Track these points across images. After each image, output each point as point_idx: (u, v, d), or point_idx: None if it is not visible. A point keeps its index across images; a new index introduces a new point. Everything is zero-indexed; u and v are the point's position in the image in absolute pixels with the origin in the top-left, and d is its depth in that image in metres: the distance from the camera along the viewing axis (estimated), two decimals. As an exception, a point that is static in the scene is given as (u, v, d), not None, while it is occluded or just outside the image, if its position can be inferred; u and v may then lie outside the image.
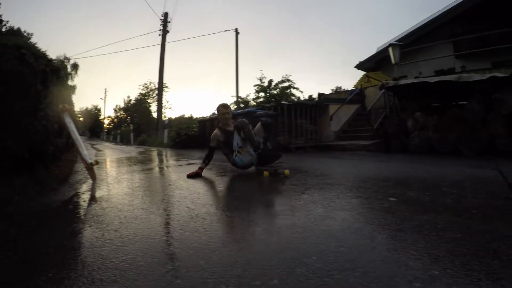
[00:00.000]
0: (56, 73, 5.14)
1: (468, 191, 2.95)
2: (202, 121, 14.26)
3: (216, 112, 4.93)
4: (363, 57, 17.24)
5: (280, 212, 2.37)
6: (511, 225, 1.94)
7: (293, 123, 9.64)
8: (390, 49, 9.70)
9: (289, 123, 9.59)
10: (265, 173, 4.19)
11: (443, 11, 14.19)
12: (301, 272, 1.35)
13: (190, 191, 3.32)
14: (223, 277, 1.33)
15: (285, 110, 9.55)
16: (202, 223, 2.13)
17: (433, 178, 3.75)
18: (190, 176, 4.37)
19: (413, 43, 13.74)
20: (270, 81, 20.59)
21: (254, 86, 21.09)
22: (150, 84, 38.71)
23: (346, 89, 16.80)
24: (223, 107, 4.76)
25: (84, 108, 68.08)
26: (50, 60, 4.85)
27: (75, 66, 33.16)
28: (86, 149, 4.30)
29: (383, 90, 8.72)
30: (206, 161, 4.66)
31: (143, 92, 39.20)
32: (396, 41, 12.90)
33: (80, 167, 5.80)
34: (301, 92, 20.06)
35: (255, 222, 2.14)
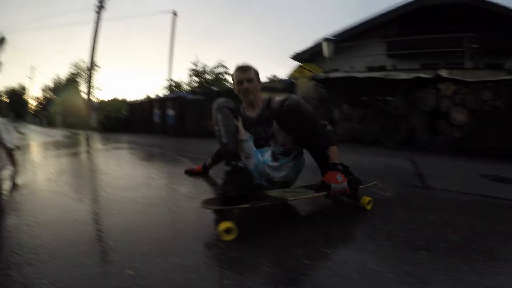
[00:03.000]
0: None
1: (377, 177, 3.27)
2: (133, 105, 14.03)
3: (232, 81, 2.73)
4: (299, 48, 17.90)
5: (190, 195, 2.62)
6: (406, 209, 2.39)
7: None
8: (325, 44, 10.23)
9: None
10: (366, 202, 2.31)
11: (380, 14, 15.45)
12: (203, 251, 1.57)
13: (111, 176, 3.46)
14: (129, 256, 1.49)
15: (216, 96, 9.65)
16: (118, 207, 2.29)
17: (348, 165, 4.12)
18: (188, 171, 3.53)
19: (348, 39, 14.70)
20: (205, 66, 20.49)
21: (189, 70, 20.82)
22: (81, 64, 35.80)
23: (280, 79, 17.26)
24: (240, 71, 2.58)
25: (9, 87, 60.84)
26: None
27: (2, 40, 29.31)
28: (9, 132, 4.08)
29: (314, 82, 9.13)
30: (215, 158, 3.43)
31: (74, 71, 36.21)
32: (332, 36, 13.56)
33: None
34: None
35: (163, 204, 2.40)
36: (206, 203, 1.90)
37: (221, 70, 20.29)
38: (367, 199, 2.28)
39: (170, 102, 11.59)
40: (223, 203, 1.84)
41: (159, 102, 12.40)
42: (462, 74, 7.25)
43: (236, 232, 1.70)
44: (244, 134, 2.32)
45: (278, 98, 2.45)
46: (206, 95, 9.73)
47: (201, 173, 3.47)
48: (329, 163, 2.18)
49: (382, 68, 12.96)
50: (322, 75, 8.70)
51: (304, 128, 2.16)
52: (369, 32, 15.29)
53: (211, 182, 3.25)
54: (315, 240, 1.78)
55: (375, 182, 2.53)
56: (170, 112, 11.42)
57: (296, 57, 17.98)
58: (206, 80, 20.02)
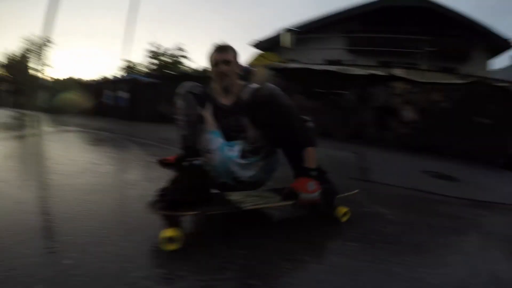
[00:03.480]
0: None
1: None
2: (85, 85, 13.31)
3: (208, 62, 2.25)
4: (261, 36, 17.75)
5: (134, 182, 2.59)
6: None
7: (175, 93, 9.52)
8: (286, 34, 10.21)
9: (171, 93, 9.42)
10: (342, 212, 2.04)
11: (343, 9, 15.70)
12: (138, 239, 1.56)
13: (56, 162, 3.32)
14: (68, 245, 1.45)
15: (168, 79, 9.44)
16: (60, 195, 2.21)
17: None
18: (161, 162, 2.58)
19: (310, 31, 14.80)
20: (164, 49, 19.87)
21: (147, 52, 20.13)
22: (34, 39, 33.34)
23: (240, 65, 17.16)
24: (217, 52, 2.15)
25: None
26: None
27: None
28: None
29: (272, 71, 9.13)
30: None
31: (27, 47, 33.66)
32: (294, 27, 13.63)
33: None
34: (194, 62, 19.81)
35: (106, 191, 2.33)
36: (154, 204, 1.62)
37: (179, 53, 19.75)
38: (343, 210, 1.99)
39: (123, 84, 11.16)
40: (166, 207, 1.58)
41: (112, 83, 11.89)
42: (416, 75, 7.49)
43: (180, 243, 1.49)
44: (211, 125, 2.02)
45: (252, 86, 2.12)
46: (162, 79, 9.46)
47: (174, 164, 2.98)
48: (302, 167, 1.90)
49: (340, 62, 13.21)
50: (279, 64, 8.67)
51: (278, 124, 1.86)
52: (331, 26, 15.53)
53: (164, 172, 3.09)
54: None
55: (357, 191, 2.25)
56: (123, 94, 10.98)
57: (257, 45, 17.83)
58: (165, 63, 19.47)
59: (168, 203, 1.59)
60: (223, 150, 1.94)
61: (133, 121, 9.49)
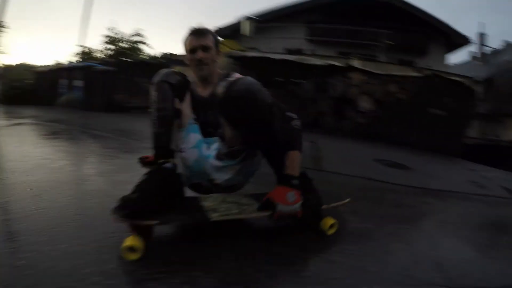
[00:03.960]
0: None
1: None
2: (39, 73, 12.48)
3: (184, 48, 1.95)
4: (223, 22, 17.56)
5: (87, 177, 2.48)
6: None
7: (132, 81, 9.39)
8: (246, 22, 10.14)
9: (128, 81, 9.30)
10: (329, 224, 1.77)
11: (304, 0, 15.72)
12: (87, 236, 1.52)
13: (7, 158, 3.20)
14: (20, 245, 1.42)
15: (125, 67, 9.13)
16: (11, 194, 2.12)
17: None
18: (141, 160, 2.04)
19: (271, 20, 14.82)
20: (121, 34, 19.09)
21: (104, 36, 19.26)
22: None
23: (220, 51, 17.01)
24: (193, 36, 1.87)
25: None
26: None
27: None
28: None
29: (230, 59, 9.08)
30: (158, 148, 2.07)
31: None
32: (255, 15, 13.55)
33: None
34: (152, 48, 19.22)
35: (59, 188, 2.20)
36: (116, 211, 1.43)
37: (137, 39, 19.07)
38: (330, 222, 1.73)
39: (78, 72, 10.62)
40: (129, 215, 1.42)
41: (66, 71, 11.25)
42: (374, 67, 7.68)
43: (141, 252, 1.36)
44: (188, 118, 1.82)
45: (231, 78, 1.74)
46: (118, 66, 9.12)
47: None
48: (283, 174, 1.64)
49: (300, 52, 13.32)
50: (238, 53, 8.63)
51: (256, 124, 1.56)
52: (292, 15, 15.59)
53: (118, 166, 2.97)
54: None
55: (348, 199, 1.95)
56: (78, 83, 10.46)
57: (218, 31, 17.60)
58: (122, 49, 18.75)
59: (131, 211, 1.43)
60: (200, 148, 1.77)
61: (88, 111, 9.10)
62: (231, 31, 16.75)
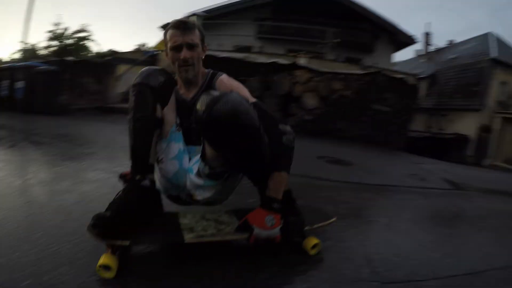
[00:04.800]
0: None
1: None
2: None
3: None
4: (171, 17, 17.23)
5: (26, 188, 2.31)
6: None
7: (76, 81, 9.05)
8: (193, 18, 9.98)
9: (72, 82, 8.91)
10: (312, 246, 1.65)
11: None
12: (26, 248, 1.44)
13: None
14: None
15: (69, 67, 8.69)
16: None
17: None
18: (123, 177, 1.84)
19: (220, 16, 14.73)
20: (66, 29, 18.16)
21: (48, 32, 18.24)
22: None
23: (147, 48, 16.48)
24: (177, 31, 1.62)
25: None
26: None
27: None
28: None
29: None
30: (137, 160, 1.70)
31: None
32: (203, 11, 13.37)
33: None
34: (99, 45, 18.51)
35: None
36: (91, 229, 1.35)
37: (83, 35, 18.26)
38: (313, 241, 1.63)
39: (19, 71, 9.99)
40: (103, 234, 1.34)
41: (7, 71, 10.54)
42: (322, 64, 7.85)
43: (115, 272, 1.29)
44: (170, 125, 1.62)
45: (217, 82, 1.65)
46: (62, 65, 8.64)
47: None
48: (265, 196, 1.51)
49: (249, 49, 13.34)
50: None
51: (241, 147, 1.42)
52: (241, 12, 15.57)
53: (59, 175, 2.73)
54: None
55: (334, 219, 1.83)
56: (19, 84, 9.84)
57: (165, 27, 17.24)
58: (66, 46, 17.88)
59: (105, 230, 1.34)
60: (181, 160, 1.62)
61: (31, 115, 8.58)
62: (180, 27, 16.51)
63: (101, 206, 1.78)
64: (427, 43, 24.38)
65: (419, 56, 24.95)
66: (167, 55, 1.70)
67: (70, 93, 8.72)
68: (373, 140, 6.89)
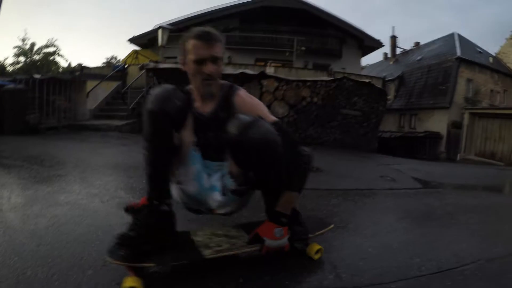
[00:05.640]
0: None
1: None
2: None
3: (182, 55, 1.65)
4: (142, 30, 17.13)
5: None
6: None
7: (45, 99, 8.72)
8: (160, 31, 9.97)
9: (40, 100, 8.63)
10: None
11: (222, 7, 16.05)
12: (4, 273, 1.43)
13: None
14: None
15: (37, 84, 8.45)
16: None
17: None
18: (129, 209, 1.66)
19: (188, 28, 14.64)
20: (33, 45, 17.79)
21: (14, 48, 17.83)
22: None
23: (118, 61, 16.31)
24: (203, 42, 1.55)
25: None
26: None
27: None
28: None
29: (144, 71, 8.88)
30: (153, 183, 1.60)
31: None
32: (171, 23, 13.38)
33: None
34: (66, 60, 18.25)
35: None
36: (111, 253, 1.37)
37: (51, 50, 17.95)
38: (316, 247, 1.73)
39: None
40: (124, 257, 1.34)
41: None
42: (290, 72, 7.93)
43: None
44: (189, 147, 1.58)
45: (240, 115, 1.47)
46: (29, 83, 8.39)
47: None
48: (273, 210, 1.58)
49: None
50: (151, 64, 8.50)
51: (265, 170, 1.50)
52: (209, 23, 15.54)
53: (26, 200, 2.63)
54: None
55: (332, 226, 1.98)
56: None
57: (134, 40, 17.03)
58: (34, 62, 17.50)
59: (128, 253, 1.36)
60: (200, 180, 1.59)
61: None
62: (147, 41, 16.31)
63: (72, 228, 1.96)
64: (394, 46, 25.01)
65: (387, 59, 25.52)
66: (184, 63, 1.63)
67: (39, 111, 8.49)
68: (344, 145, 6.97)
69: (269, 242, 1.55)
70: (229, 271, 1.54)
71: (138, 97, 9.66)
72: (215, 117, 1.59)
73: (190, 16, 15.99)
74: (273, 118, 1.57)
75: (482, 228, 2.54)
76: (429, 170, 5.71)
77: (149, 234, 1.42)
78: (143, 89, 9.85)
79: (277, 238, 1.56)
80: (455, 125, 15.09)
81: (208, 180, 1.61)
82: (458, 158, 14.29)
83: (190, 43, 1.56)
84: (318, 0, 16.17)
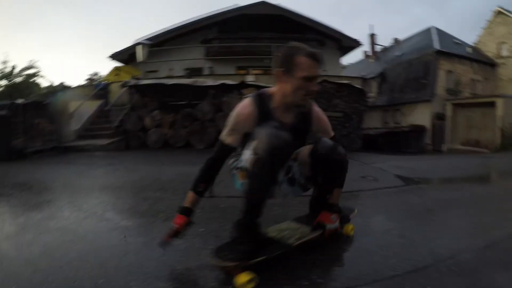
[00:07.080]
0: None
1: (170, 192, 3.51)
2: None
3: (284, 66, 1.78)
4: (124, 45, 16.99)
5: None
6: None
7: (29, 123, 8.61)
8: (138, 47, 9.96)
9: (25, 124, 8.51)
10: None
11: (199, 18, 16.06)
12: None
13: None
14: None
15: (20, 109, 8.39)
16: None
17: (150, 181, 4.29)
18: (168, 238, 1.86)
19: (168, 41, 14.84)
20: (14, 67, 17.56)
21: None
22: None
23: (100, 77, 16.17)
24: (316, 62, 1.73)
25: None
26: None
27: None
28: None
29: (126, 87, 8.83)
30: (206, 176, 1.93)
31: None
32: (149, 38, 13.32)
33: None
34: (49, 81, 18.03)
35: None
36: (217, 255, 1.62)
37: (32, 71, 17.71)
38: (350, 226, 2.26)
39: None
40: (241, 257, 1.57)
41: None
42: (270, 79, 7.91)
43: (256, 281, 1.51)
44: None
45: (324, 139, 1.88)
46: (11, 108, 8.28)
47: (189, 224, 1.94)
48: (327, 203, 2.02)
49: (200, 70, 13.55)
50: (132, 81, 8.57)
51: (336, 177, 1.97)
52: (188, 35, 15.75)
53: (28, 228, 2.65)
54: None
55: (356, 210, 2.43)
56: None
57: (114, 56, 16.80)
58: (16, 85, 17.24)
59: (246, 254, 1.58)
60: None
61: None
62: (128, 56, 16.12)
63: (64, 254, 2.01)
64: (373, 44, 25.22)
65: (367, 57, 25.70)
66: (285, 76, 1.76)
67: (24, 135, 8.40)
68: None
69: (329, 226, 1.97)
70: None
71: (122, 115, 9.52)
72: (296, 127, 1.87)
73: (168, 29, 15.89)
74: (332, 132, 2.09)
75: (461, 222, 2.60)
76: (413, 166, 5.77)
77: (256, 237, 1.69)
78: (126, 106, 9.75)
79: (333, 222, 1.99)
80: (439, 117, 15.28)
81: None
82: (443, 149, 14.43)
83: (302, 60, 1.71)
84: (299, 4, 16.11)
